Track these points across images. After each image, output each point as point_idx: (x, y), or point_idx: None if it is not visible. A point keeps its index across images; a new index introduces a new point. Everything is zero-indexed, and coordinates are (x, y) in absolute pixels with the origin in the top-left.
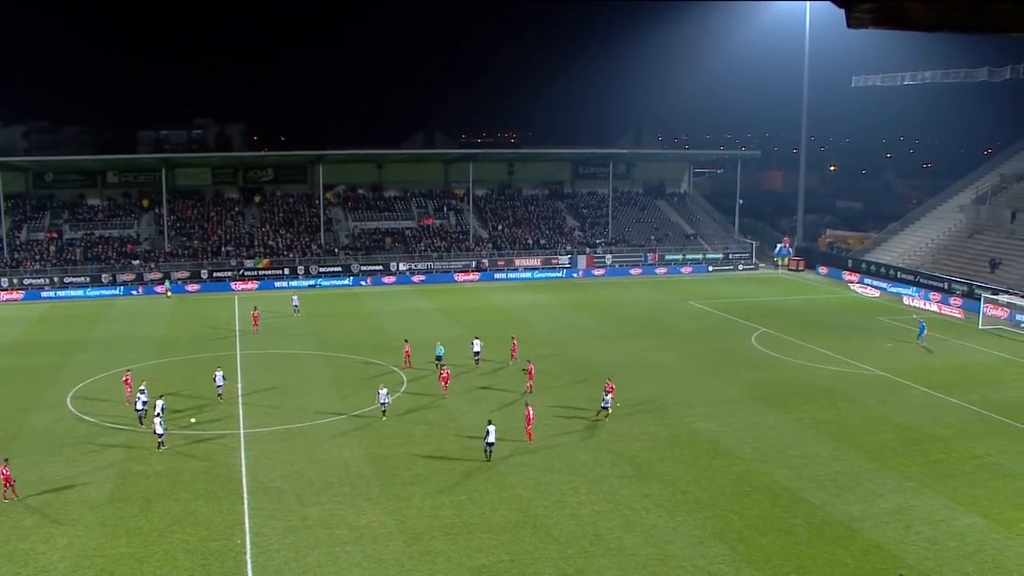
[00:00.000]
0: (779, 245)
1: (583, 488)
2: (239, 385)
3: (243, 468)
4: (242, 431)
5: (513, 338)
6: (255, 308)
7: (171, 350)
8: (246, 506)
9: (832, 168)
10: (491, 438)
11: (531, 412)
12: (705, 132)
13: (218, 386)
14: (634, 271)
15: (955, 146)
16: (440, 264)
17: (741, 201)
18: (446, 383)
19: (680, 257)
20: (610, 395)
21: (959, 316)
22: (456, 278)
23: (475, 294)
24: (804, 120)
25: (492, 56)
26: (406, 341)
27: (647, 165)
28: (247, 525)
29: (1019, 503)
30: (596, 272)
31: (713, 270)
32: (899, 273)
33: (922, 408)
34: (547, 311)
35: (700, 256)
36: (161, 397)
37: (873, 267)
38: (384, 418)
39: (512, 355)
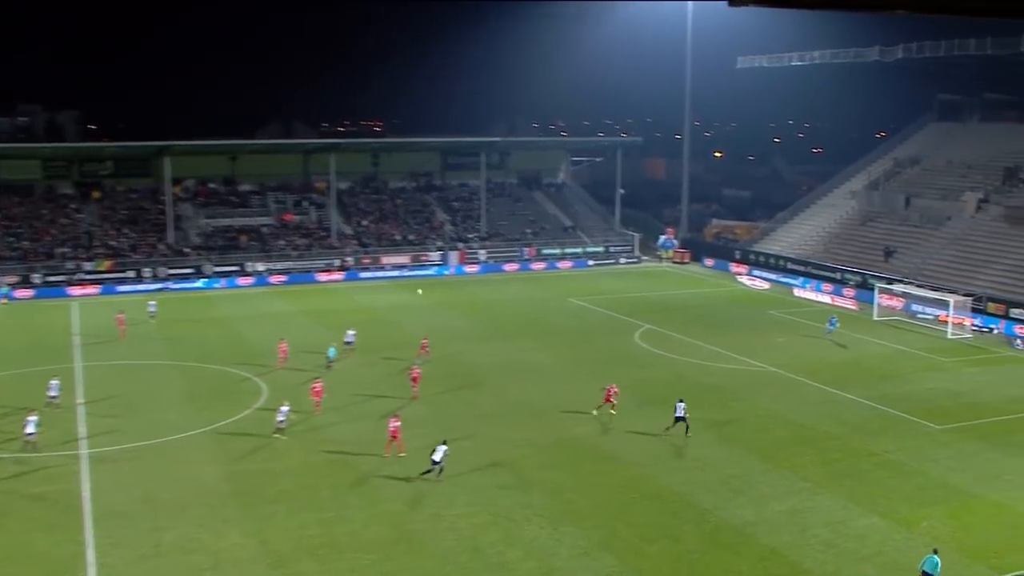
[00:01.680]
0: (663, 237)
1: (460, 500)
2: (79, 400)
3: (86, 493)
4: (84, 451)
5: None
6: (120, 312)
7: None
8: (89, 535)
9: (718, 155)
10: (438, 456)
11: (398, 423)
12: (583, 118)
13: (52, 396)
14: (509, 267)
15: (846, 130)
16: (301, 263)
17: (622, 191)
18: (318, 398)
19: (558, 251)
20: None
21: (853, 307)
22: (318, 278)
23: (339, 295)
24: (687, 104)
25: (355, 39)
26: (282, 340)
27: (522, 154)
28: (91, 556)
29: (919, 501)
30: (469, 269)
31: (594, 264)
32: (789, 264)
33: (817, 405)
34: (418, 312)
35: (579, 250)
36: None
37: (762, 258)
38: (283, 437)
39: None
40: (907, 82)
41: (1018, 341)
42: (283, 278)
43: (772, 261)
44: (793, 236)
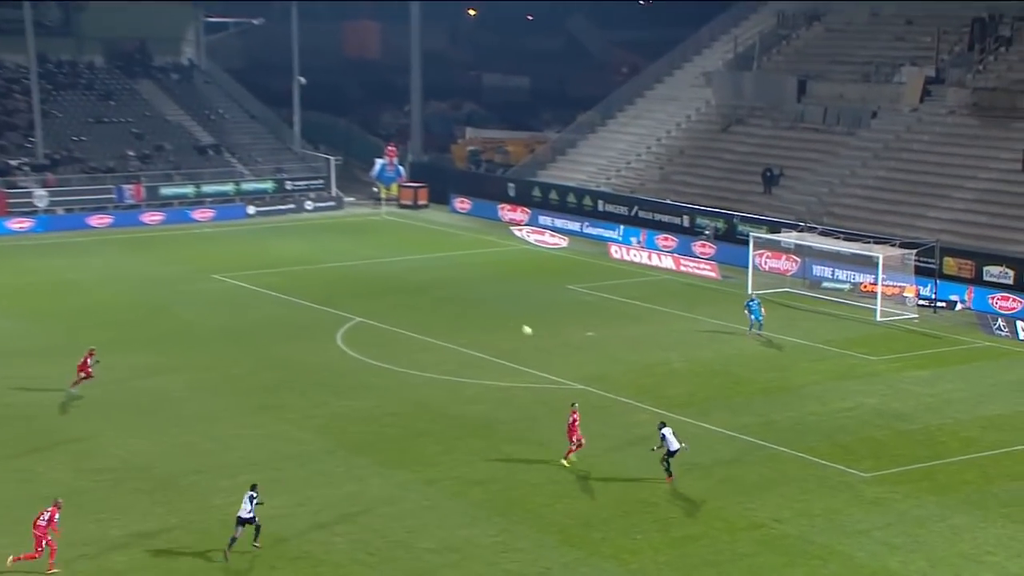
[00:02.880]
0: (379, 162)
1: None
2: None
3: None
4: None
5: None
6: None
7: None
8: None
9: (472, 12)
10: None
11: None
12: None
13: None
14: (96, 220)
15: None
16: None
17: (303, 80)
18: None
19: (190, 190)
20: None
21: (710, 274)
22: None
23: None
24: None
25: None
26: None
27: (110, 12)
28: None
29: None
30: (15, 226)
31: (257, 213)
32: (601, 204)
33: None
34: None
35: (230, 187)
36: None
37: (554, 196)
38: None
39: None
40: None
41: (999, 322)
42: None
43: (571, 200)
44: (606, 156)
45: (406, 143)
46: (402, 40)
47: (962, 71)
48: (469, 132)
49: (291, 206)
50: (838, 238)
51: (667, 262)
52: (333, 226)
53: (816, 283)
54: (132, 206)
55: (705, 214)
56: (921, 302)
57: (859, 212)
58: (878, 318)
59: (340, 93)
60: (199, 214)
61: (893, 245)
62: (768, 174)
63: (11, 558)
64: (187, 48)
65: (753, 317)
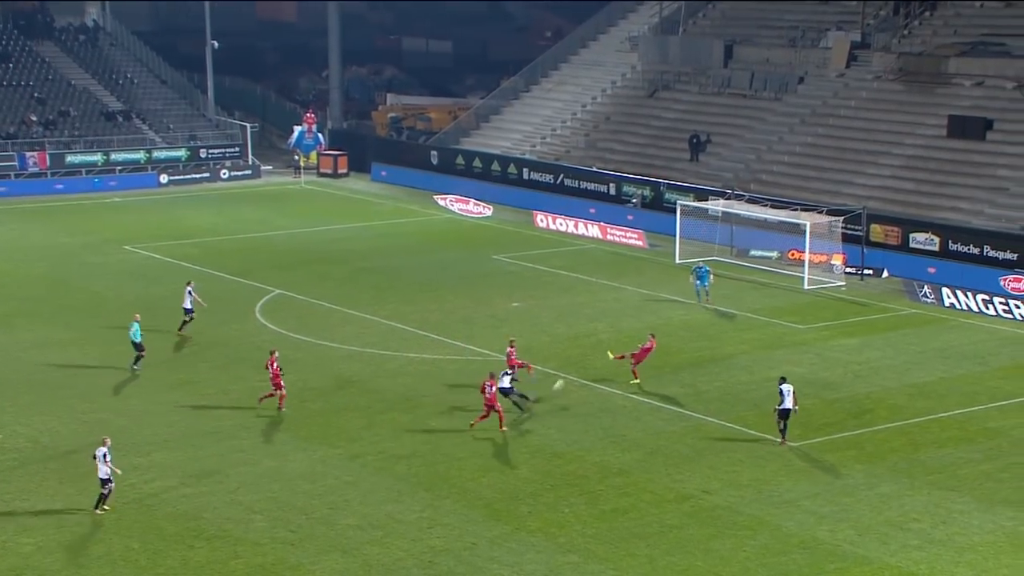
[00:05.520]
0: (297, 129)
1: None
2: None
3: None
4: None
5: None
6: None
7: None
8: None
9: None
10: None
11: None
12: None
13: None
14: None
15: None
16: None
17: (215, 44)
18: None
19: (99, 158)
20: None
21: (638, 243)
22: None
23: None
24: None
25: None
26: None
27: None
28: None
29: None
30: None
31: (171, 182)
32: (527, 172)
33: (583, 418)
34: None
35: (140, 155)
36: None
37: (477, 163)
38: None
39: None
40: None
41: (925, 288)
42: None
43: (495, 168)
44: (530, 123)
45: (325, 110)
46: (319, 2)
47: (888, 36)
48: (390, 98)
49: (206, 175)
50: (765, 205)
51: (593, 231)
52: (250, 195)
53: (743, 251)
54: (36, 174)
55: (631, 182)
56: (848, 271)
57: (786, 179)
58: (806, 286)
59: (255, 57)
60: (108, 183)
61: (820, 212)
62: (695, 140)
63: None
64: (91, 9)
65: (700, 283)
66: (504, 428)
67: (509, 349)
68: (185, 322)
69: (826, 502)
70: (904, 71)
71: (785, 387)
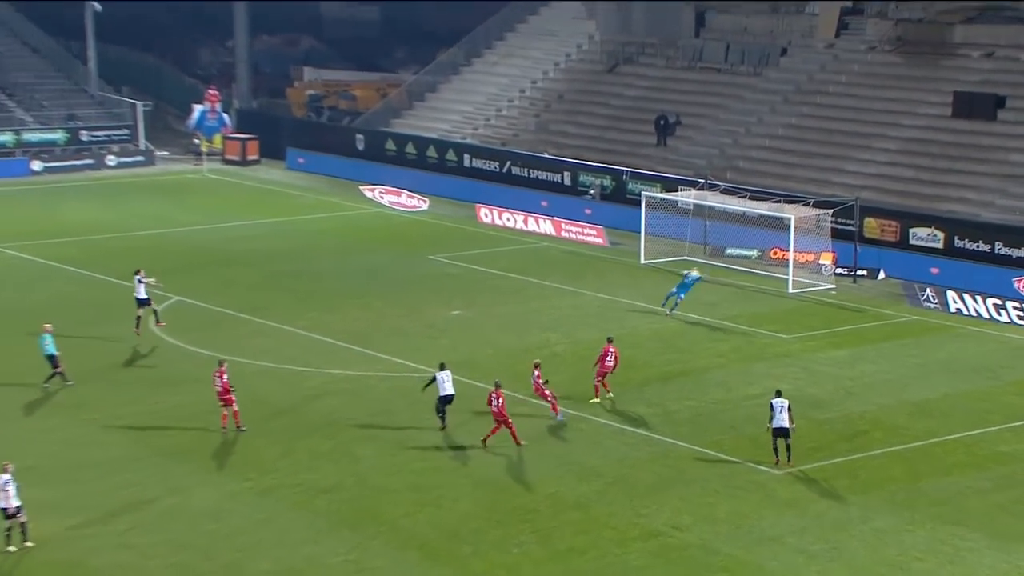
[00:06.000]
0: (198, 108)
1: None
2: None
3: None
4: None
5: None
6: None
7: None
8: None
9: None
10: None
11: None
12: None
13: None
14: None
15: None
16: None
17: (98, 6)
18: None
19: None
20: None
21: (597, 240)
22: None
23: None
24: None
25: None
26: None
27: None
28: None
29: None
30: None
31: (46, 170)
32: (468, 159)
33: (537, 443)
34: None
35: (9, 138)
36: None
37: (410, 149)
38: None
39: None
40: None
41: (927, 292)
42: None
43: (431, 155)
44: (471, 102)
45: (231, 86)
46: None
47: (883, 0)
48: (307, 73)
49: (88, 161)
50: (744, 197)
51: (546, 227)
52: (142, 186)
53: (719, 250)
54: None
55: (589, 170)
56: (839, 271)
57: (767, 166)
58: (790, 289)
59: (147, 23)
60: None
61: (807, 205)
62: (662, 122)
63: None
64: None
65: (678, 291)
66: (522, 443)
67: (535, 372)
68: (140, 317)
69: (815, 539)
70: (903, 41)
71: (778, 402)
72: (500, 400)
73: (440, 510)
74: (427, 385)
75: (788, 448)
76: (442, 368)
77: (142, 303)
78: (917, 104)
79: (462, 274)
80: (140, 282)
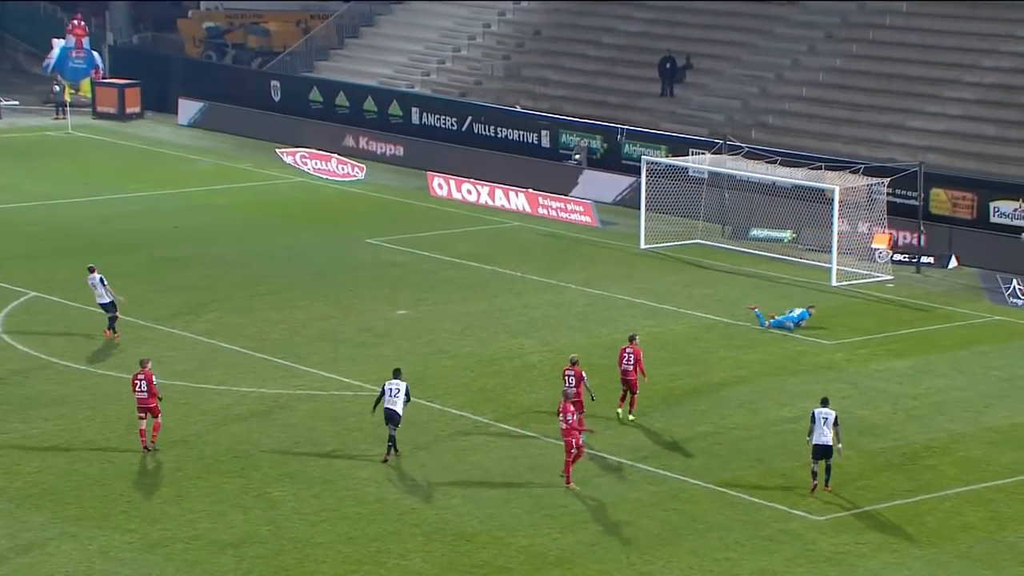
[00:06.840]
0: (59, 44)
1: None
2: None
3: None
4: None
5: None
6: None
7: None
8: None
9: None
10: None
11: None
12: None
13: None
14: None
15: None
16: None
17: None
18: None
19: None
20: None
21: (584, 218)
22: None
23: None
24: None
25: None
26: None
27: None
28: None
29: None
30: None
31: None
32: (417, 114)
33: (511, 483)
34: None
35: None
36: None
37: (341, 101)
38: None
39: None
40: None
41: (1013, 284)
42: None
43: (369, 108)
44: (420, 39)
45: (103, 15)
46: None
47: None
48: (205, 4)
49: None
50: (773, 162)
51: (518, 201)
52: None
53: (741, 231)
54: None
55: (574, 127)
56: (897, 257)
57: (803, 122)
58: (834, 282)
59: None
60: None
61: (855, 172)
62: (668, 66)
63: None
64: None
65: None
66: (573, 485)
67: (570, 370)
68: (114, 318)
69: None
70: None
71: (821, 412)
72: (572, 416)
73: (382, 569)
74: (377, 403)
75: (828, 470)
76: (396, 375)
77: (107, 307)
78: (1000, 41)
79: (409, 262)
80: (102, 282)
